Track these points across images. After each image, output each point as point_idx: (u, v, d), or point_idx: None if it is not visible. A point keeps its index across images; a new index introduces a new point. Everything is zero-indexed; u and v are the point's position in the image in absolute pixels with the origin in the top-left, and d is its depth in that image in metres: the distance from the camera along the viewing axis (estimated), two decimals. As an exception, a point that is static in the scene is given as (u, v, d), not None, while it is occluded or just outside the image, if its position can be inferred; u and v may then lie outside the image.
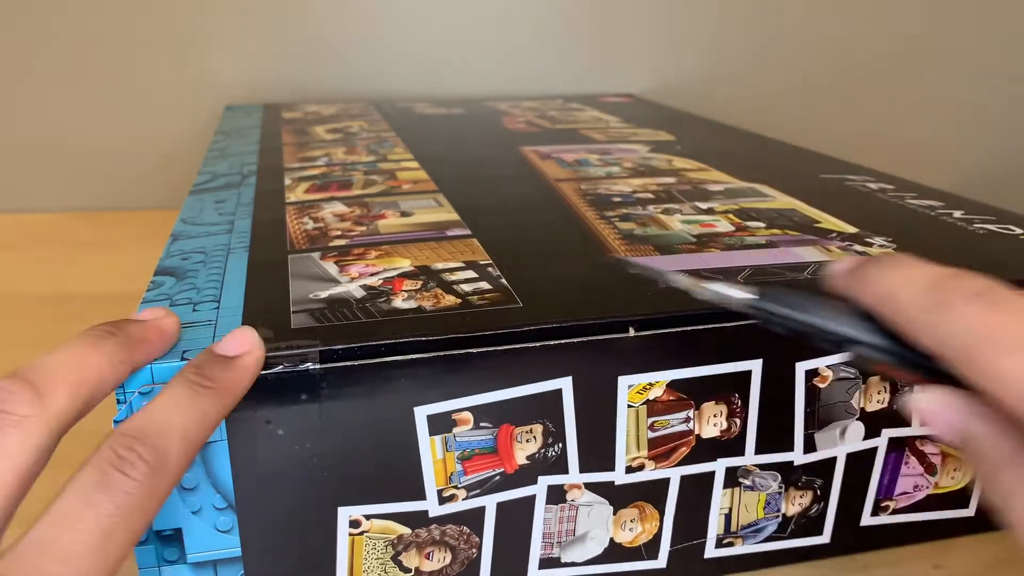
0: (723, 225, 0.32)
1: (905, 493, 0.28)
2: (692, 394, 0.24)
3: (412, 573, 0.24)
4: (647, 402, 0.24)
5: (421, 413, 0.22)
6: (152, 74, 0.64)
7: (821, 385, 0.25)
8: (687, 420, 0.25)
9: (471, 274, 0.27)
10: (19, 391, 0.17)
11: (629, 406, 0.24)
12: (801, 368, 0.25)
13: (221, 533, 0.22)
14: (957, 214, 0.33)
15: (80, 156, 0.65)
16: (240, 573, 0.23)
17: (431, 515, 0.24)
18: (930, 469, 0.27)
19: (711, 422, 0.25)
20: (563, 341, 0.23)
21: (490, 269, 0.27)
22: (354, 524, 0.23)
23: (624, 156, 0.44)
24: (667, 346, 0.24)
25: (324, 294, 0.25)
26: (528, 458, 0.24)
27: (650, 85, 0.72)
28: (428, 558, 0.24)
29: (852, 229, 0.31)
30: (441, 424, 0.23)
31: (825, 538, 0.27)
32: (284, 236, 0.31)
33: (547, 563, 0.25)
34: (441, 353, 0.22)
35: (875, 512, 0.27)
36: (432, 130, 0.53)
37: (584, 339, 0.23)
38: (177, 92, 0.65)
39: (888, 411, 0.26)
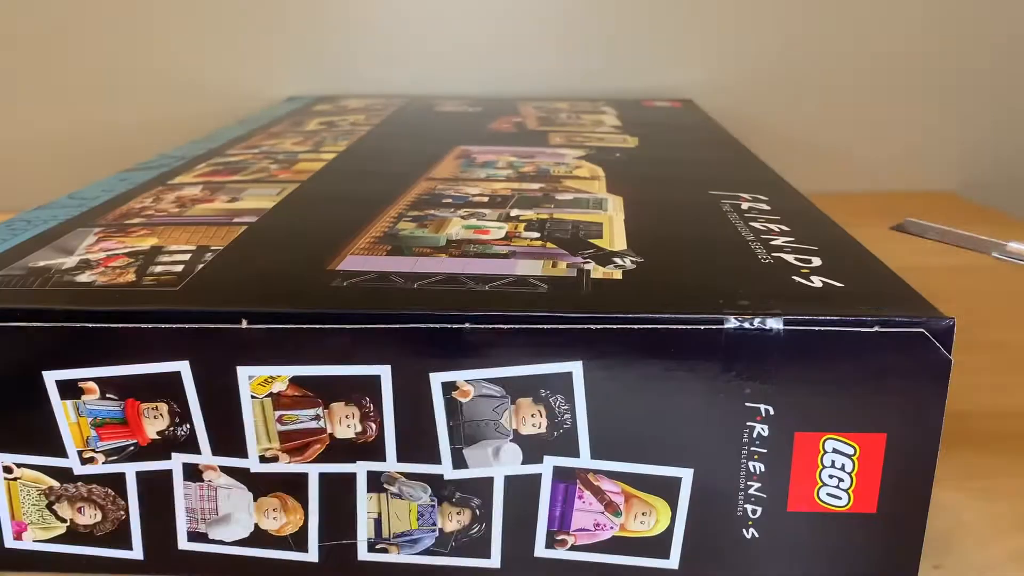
0: (496, 233, 0.31)
1: (585, 530, 0.26)
2: (319, 392, 0.24)
3: (68, 523, 0.26)
4: (271, 395, 0.24)
5: (49, 377, 0.24)
6: (206, 70, 0.70)
7: (462, 399, 0.24)
8: (317, 418, 0.25)
9: (183, 258, 0.28)
10: None
11: (253, 397, 0.24)
12: (436, 379, 0.24)
13: None
14: (780, 240, 0.30)
15: (113, 155, 0.72)
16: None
17: (75, 473, 0.25)
18: (611, 508, 0.25)
19: (343, 423, 0.25)
20: (178, 326, 0.24)
21: (208, 255, 0.28)
22: (6, 470, 0.25)
23: (540, 160, 0.43)
24: (286, 342, 0.24)
25: (38, 263, 0.28)
26: (158, 434, 0.25)
27: (720, 89, 0.70)
28: (80, 512, 0.26)
29: (620, 247, 0.29)
30: (70, 390, 0.24)
31: (494, 563, 0.26)
32: (108, 212, 0.34)
33: (196, 537, 0.26)
34: (64, 324, 0.24)
35: (550, 544, 0.26)
36: (414, 128, 0.54)
37: (197, 326, 0.24)
38: (237, 87, 0.71)
39: (547, 437, 0.25)
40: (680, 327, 0.23)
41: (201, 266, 0.27)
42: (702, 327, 0.23)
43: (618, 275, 0.27)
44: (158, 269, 0.27)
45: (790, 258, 0.28)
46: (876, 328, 0.23)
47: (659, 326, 0.23)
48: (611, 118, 0.59)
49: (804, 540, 0.26)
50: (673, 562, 0.26)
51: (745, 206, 0.35)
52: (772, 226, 0.32)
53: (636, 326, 0.23)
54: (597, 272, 0.27)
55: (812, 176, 0.68)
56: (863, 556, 0.26)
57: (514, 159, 0.44)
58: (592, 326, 0.23)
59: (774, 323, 0.24)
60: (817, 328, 0.24)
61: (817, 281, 0.26)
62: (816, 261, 0.28)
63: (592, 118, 0.58)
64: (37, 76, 0.70)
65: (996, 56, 0.70)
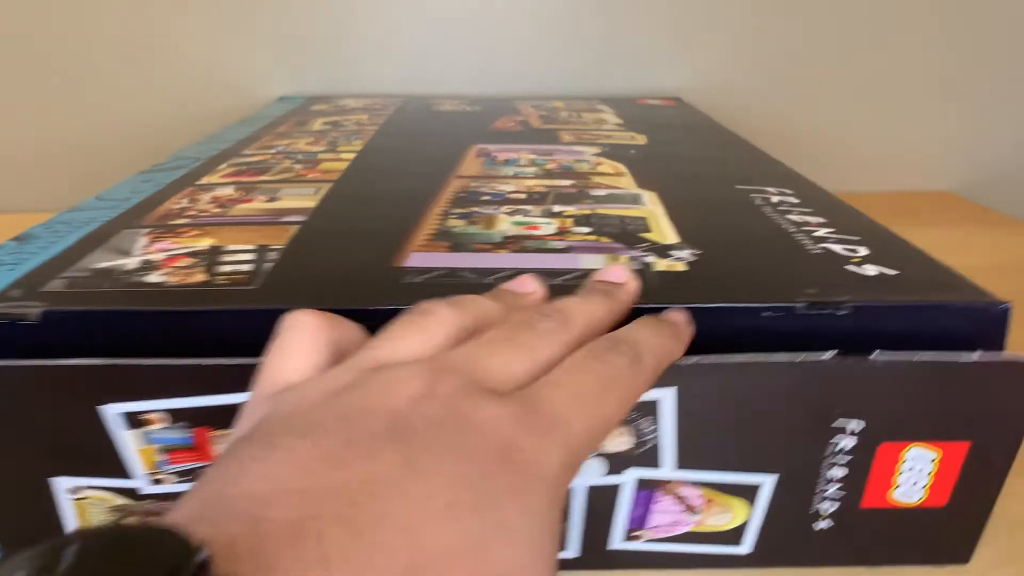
0: (548, 228, 0.31)
1: (661, 526, 0.26)
2: None
3: (139, 531, 0.26)
4: None
5: (113, 411, 0.24)
6: (197, 70, 0.70)
7: None
8: None
9: (248, 256, 0.28)
10: (553, 315, 0.21)
11: None
12: None
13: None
14: (822, 232, 0.31)
15: (108, 154, 0.71)
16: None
17: (144, 492, 0.25)
18: (690, 510, 0.26)
19: None
20: (244, 360, 0.23)
21: (271, 254, 0.28)
22: (73, 491, 0.25)
23: (561, 157, 0.44)
24: None
25: (99, 265, 0.27)
26: None
27: (708, 87, 0.71)
28: None
29: (674, 240, 0.30)
30: (136, 421, 0.24)
31: (571, 553, 0.27)
32: (147, 213, 0.33)
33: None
34: (120, 361, 0.23)
35: (626, 539, 0.27)
36: (422, 127, 0.54)
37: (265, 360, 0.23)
38: (227, 87, 0.70)
39: (631, 454, 0.25)
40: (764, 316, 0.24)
41: (269, 265, 0.27)
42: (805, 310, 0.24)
43: (681, 267, 0.27)
44: (226, 268, 0.27)
45: (838, 248, 0.29)
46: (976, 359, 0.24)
47: (737, 311, 0.24)
48: (611, 116, 0.59)
49: (871, 531, 0.27)
50: (744, 548, 0.27)
51: (775, 199, 0.36)
52: (808, 218, 0.33)
53: (729, 357, 0.24)
54: (660, 265, 0.27)
55: (811, 176, 0.69)
56: (924, 544, 0.27)
57: (535, 156, 0.44)
58: (684, 362, 0.24)
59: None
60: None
61: (871, 269, 0.27)
62: (863, 250, 0.29)
63: (593, 116, 0.59)
64: (21, 79, 0.68)
65: (996, 56, 0.71)
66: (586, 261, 0.28)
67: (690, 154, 0.47)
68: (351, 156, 0.44)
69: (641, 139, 0.50)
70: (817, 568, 0.28)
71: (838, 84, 0.71)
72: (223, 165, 0.42)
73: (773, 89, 0.72)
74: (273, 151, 0.46)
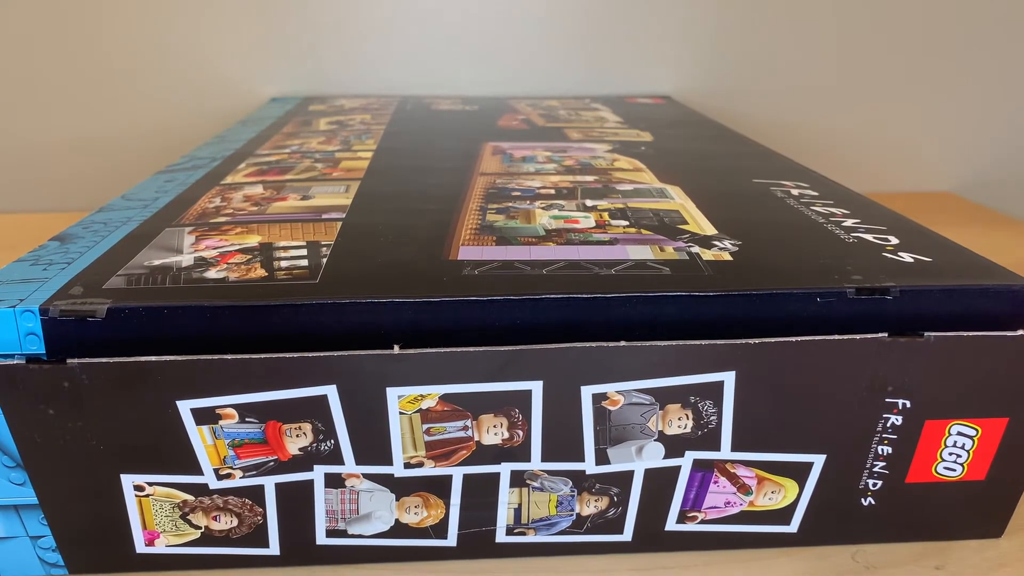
0: (587, 222, 0.32)
1: (715, 507, 0.27)
2: (469, 407, 0.25)
3: (202, 530, 0.26)
4: (420, 411, 0.25)
5: (184, 407, 0.24)
6: (187, 72, 0.69)
7: (611, 408, 0.25)
8: (464, 428, 0.25)
9: (301, 252, 0.28)
10: None
11: (401, 413, 0.25)
12: (587, 391, 0.25)
13: (16, 485, 0.25)
14: (849, 222, 0.32)
15: (101, 155, 0.70)
16: (42, 518, 0.26)
17: (211, 488, 0.25)
18: (743, 489, 0.27)
19: (491, 431, 0.25)
20: (323, 354, 0.24)
21: (323, 249, 0.29)
22: (138, 488, 0.25)
23: (576, 154, 0.45)
24: (435, 364, 0.24)
25: (154, 262, 0.27)
26: (300, 450, 0.25)
27: (698, 87, 0.72)
28: (215, 520, 0.26)
29: (712, 231, 0.31)
30: (206, 416, 0.24)
31: (626, 537, 0.27)
32: (182, 212, 0.34)
33: (334, 533, 0.27)
34: (196, 357, 0.23)
35: (680, 520, 0.27)
36: (431, 125, 0.55)
37: (347, 353, 0.24)
38: (218, 89, 0.70)
39: (691, 436, 0.26)
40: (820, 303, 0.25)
41: (323, 260, 0.28)
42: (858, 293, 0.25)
43: (727, 257, 0.28)
44: (284, 264, 0.27)
45: (869, 237, 0.30)
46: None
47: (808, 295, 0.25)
48: (608, 114, 0.60)
49: (914, 505, 0.28)
50: (793, 527, 0.28)
51: (796, 192, 0.37)
52: (832, 209, 0.34)
53: (791, 337, 0.25)
54: (706, 255, 0.28)
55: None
56: (962, 518, 0.28)
57: (551, 154, 0.45)
58: (750, 341, 0.24)
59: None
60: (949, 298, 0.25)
61: (907, 257, 0.28)
62: (893, 239, 0.30)
63: (591, 115, 0.60)
64: (10, 82, 0.67)
65: (995, 56, 0.71)
66: (634, 252, 0.28)
67: (698, 149, 0.48)
68: (368, 155, 0.44)
69: (647, 136, 0.51)
70: (859, 545, 0.29)
71: (837, 84, 0.72)
72: (242, 165, 0.42)
73: (769, 91, 0.72)
74: (288, 151, 0.46)
